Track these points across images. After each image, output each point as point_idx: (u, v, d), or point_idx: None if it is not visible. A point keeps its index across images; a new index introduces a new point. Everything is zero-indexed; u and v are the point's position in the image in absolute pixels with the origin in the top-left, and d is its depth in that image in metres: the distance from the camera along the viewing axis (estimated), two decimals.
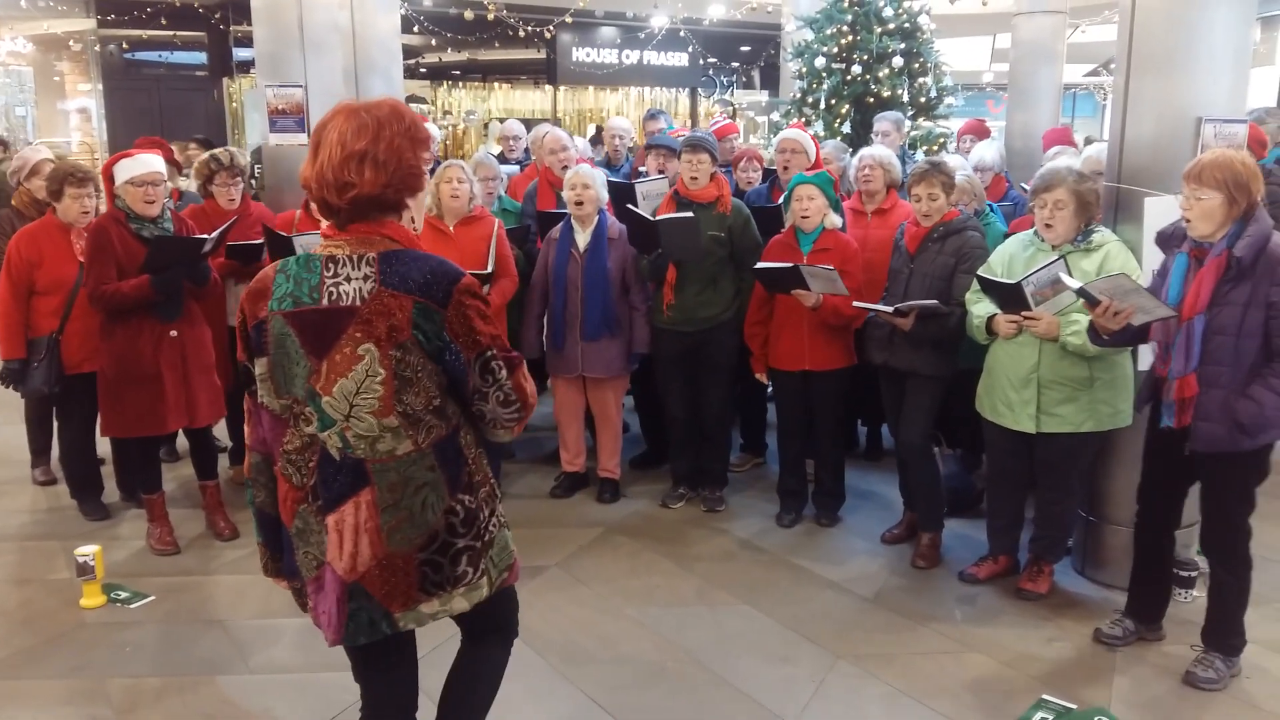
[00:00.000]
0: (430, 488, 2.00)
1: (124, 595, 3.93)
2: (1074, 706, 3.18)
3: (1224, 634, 3.32)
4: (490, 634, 2.35)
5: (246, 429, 2.12)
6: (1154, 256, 3.64)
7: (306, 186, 2.00)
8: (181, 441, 5.31)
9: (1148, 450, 3.43)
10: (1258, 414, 3.01)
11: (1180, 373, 3.11)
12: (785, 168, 5.10)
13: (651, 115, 6.80)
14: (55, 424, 4.98)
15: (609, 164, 6.66)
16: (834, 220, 4.33)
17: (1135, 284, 3.11)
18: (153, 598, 3.93)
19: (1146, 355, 3.48)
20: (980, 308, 3.78)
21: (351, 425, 1.95)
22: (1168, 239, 3.29)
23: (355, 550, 1.98)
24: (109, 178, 4.13)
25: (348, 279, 1.94)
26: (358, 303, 1.92)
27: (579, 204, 4.52)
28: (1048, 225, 3.62)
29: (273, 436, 2.05)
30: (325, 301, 1.94)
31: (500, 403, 2.03)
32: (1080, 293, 3.23)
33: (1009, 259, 3.79)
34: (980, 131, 6.55)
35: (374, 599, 2.00)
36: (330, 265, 1.96)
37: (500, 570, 2.17)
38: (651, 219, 4.36)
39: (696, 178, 4.52)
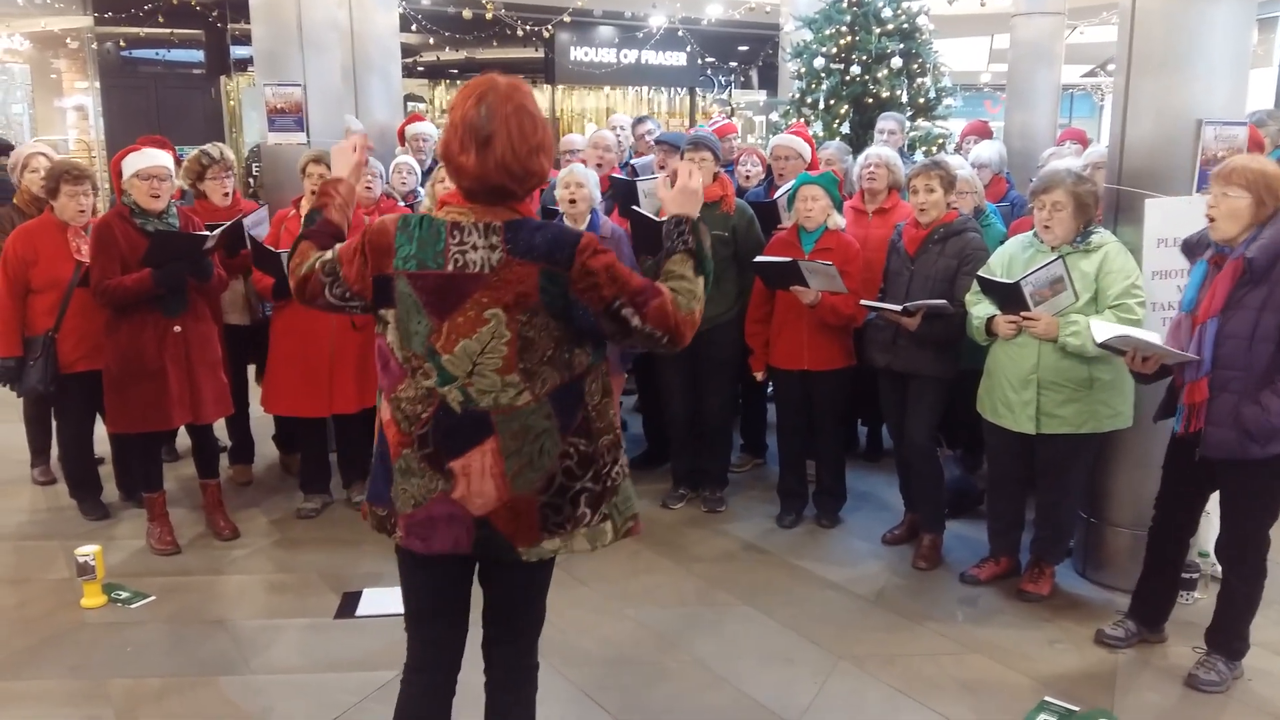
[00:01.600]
0: (547, 434, 2.12)
1: (124, 595, 3.92)
2: (1076, 709, 3.18)
3: (1230, 637, 3.31)
4: (527, 672, 2.41)
5: (385, 376, 2.19)
6: (1154, 258, 3.65)
7: (475, 175, 2.06)
8: (182, 441, 5.30)
9: (1168, 457, 3.39)
10: (1265, 421, 2.99)
11: (1192, 377, 3.09)
12: (781, 174, 5.11)
13: (640, 121, 6.91)
14: (54, 423, 4.97)
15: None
16: (837, 221, 4.33)
17: (1146, 340, 3.12)
18: (153, 598, 3.92)
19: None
20: (980, 309, 3.79)
21: (474, 381, 2.07)
22: (1193, 247, 3.26)
23: (482, 491, 2.11)
24: (117, 172, 4.13)
25: (474, 247, 2.05)
26: (485, 270, 2.04)
27: (572, 203, 4.51)
28: (1046, 226, 3.63)
29: (389, 381, 2.16)
30: (450, 267, 2.05)
31: (647, 338, 2.11)
32: (1104, 347, 3.22)
33: (1009, 260, 3.79)
34: (984, 132, 6.55)
35: (500, 534, 2.13)
36: (456, 232, 2.07)
37: (625, 519, 2.27)
38: (657, 220, 4.36)
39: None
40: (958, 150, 6.56)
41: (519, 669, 2.40)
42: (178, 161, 5.44)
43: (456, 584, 2.30)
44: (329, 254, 2.22)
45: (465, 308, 2.05)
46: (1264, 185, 2.98)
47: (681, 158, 4.65)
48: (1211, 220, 3.07)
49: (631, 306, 2.07)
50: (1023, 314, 3.58)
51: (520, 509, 2.12)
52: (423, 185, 5.71)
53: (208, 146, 4.90)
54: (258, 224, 4.57)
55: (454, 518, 2.14)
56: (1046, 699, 3.23)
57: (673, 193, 2.30)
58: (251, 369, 5.14)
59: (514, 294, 2.04)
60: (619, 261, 2.10)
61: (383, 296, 2.13)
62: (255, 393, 5.14)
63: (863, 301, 4.10)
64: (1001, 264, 3.80)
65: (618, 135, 6.53)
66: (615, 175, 5.13)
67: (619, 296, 2.06)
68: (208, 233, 4.14)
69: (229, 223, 4.30)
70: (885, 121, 6.17)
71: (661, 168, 5.27)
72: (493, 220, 2.07)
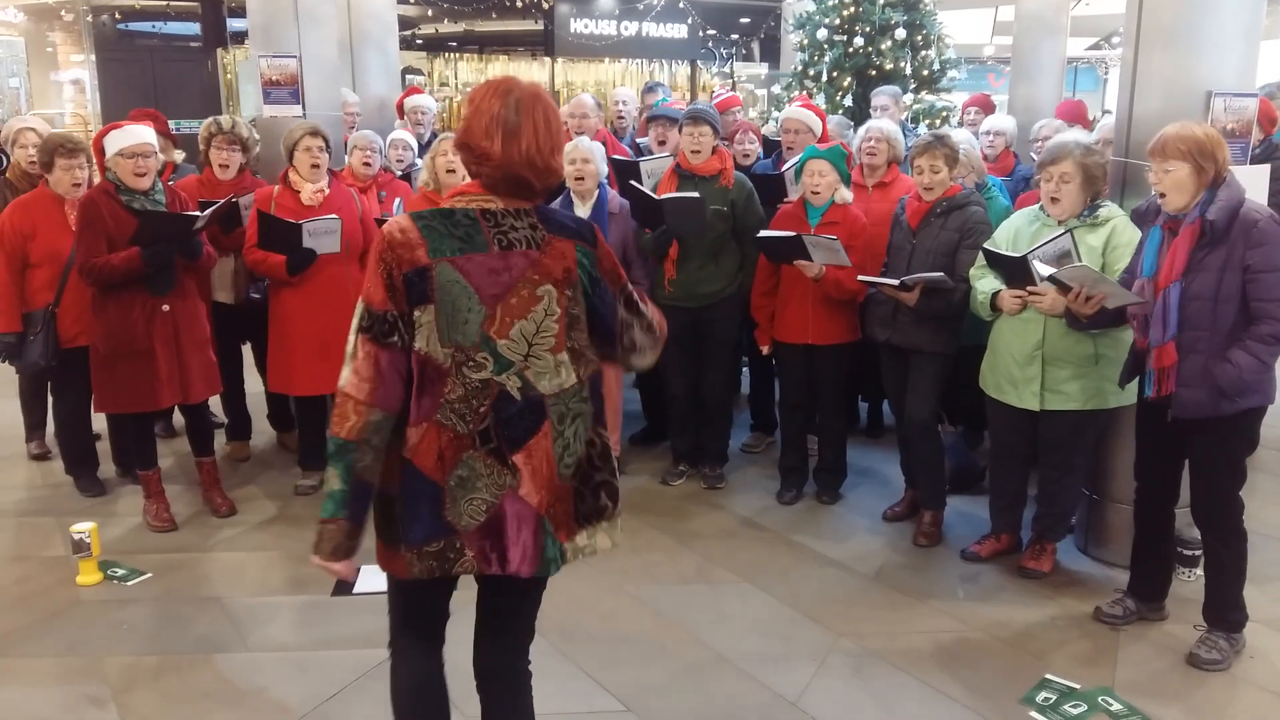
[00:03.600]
0: (581, 419, 2.13)
1: (120, 572, 3.91)
2: (1077, 686, 3.16)
3: (1224, 609, 3.31)
4: (524, 674, 2.36)
5: (361, 386, 1.97)
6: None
7: (500, 165, 2.01)
8: (179, 418, 5.26)
9: (1139, 426, 3.43)
10: (1236, 377, 3.02)
11: (1159, 341, 3.12)
12: (790, 147, 5.04)
13: (650, 88, 6.69)
14: (50, 399, 4.94)
15: (614, 132, 6.59)
16: (844, 195, 4.28)
17: (1100, 274, 3.16)
18: (149, 575, 3.90)
19: None
20: (984, 283, 3.74)
21: (530, 364, 2.04)
22: (1143, 214, 3.29)
23: (544, 482, 2.07)
24: (100, 150, 4.06)
25: (513, 228, 2.05)
26: (533, 248, 2.05)
27: (579, 179, 4.46)
28: (1054, 199, 3.58)
29: (430, 390, 2.00)
30: (497, 248, 2.02)
31: (644, 329, 2.21)
32: (1051, 279, 3.25)
33: (1014, 233, 3.74)
34: (986, 105, 6.48)
35: (554, 532, 2.10)
36: (489, 217, 2.04)
37: (620, 518, 2.26)
38: (656, 197, 4.31)
39: (698, 150, 4.46)
40: (960, 123, 6.50)
41: (516, 675, 2.35)
42: (171, 136, 5.41)
43: (447, 593, 2.25)
44: (362, 323, 1.99)
45: (518, 287, 2.03)
46: (1199, 152, 3.00)
47: (680, 130, 4.60)
48: (1162, 196, 3.09)
49: (637, 294, 2.21)
50: (1028, 289, 3.54)
51: (562, 496, 2.11)
52: (420, 159, 5.66)
53: (221, 116, 4.84)
54: (252, 204, 4.50)
55: (523, 517, 2.06)
56: (1047, 676, 3.22)
57: None
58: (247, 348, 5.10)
59: (561, 269, 2.07)
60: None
61: (417, 293, 1.97)
62: (250, 370, 5.12)
63: (860, 277, 4.06)
64: (1007, 237, 3.76)
65: (621, 109, 6.44)
66: (616, 156, 5.05)
67: (627, 281, 2.20)
68: (198, 213, 4.08)
69: (220, 202, 4.24)
70: (880, 97, 6.10)
71: (661, 143, 5.19)
72: (520, 206, 2.08)
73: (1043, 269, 3.30)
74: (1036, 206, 3.73)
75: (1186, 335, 3.08)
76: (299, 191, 4.41)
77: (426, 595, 2.20)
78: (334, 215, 4.32)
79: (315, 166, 4.43)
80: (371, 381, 1.97)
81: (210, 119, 4.80)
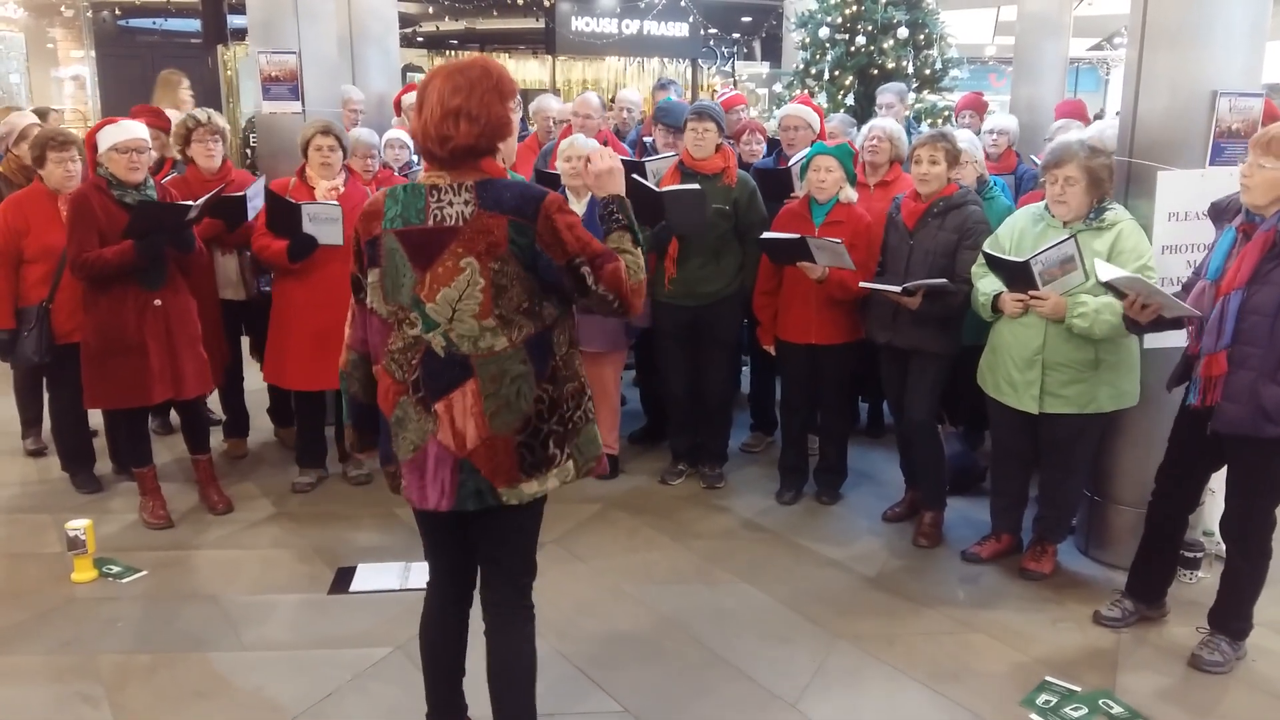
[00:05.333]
0: (523, 379, 2.30)
1: (116, 569, 3.88)
2: (1078, 689, 3.14)
3: (1232, 618, 3.28)
4: (517, 610, 2.53)
5: (348, 330, 2.50)
6: (1166, 232, 3.58)
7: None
8: (175, 415, 5.25)
9: (1175, 429, 3.34)
10: None
11: (1211, 349, 3.03)
12: (790, 144, 5.02)
13: (662, 85, 6.62)
14: (45, 395, 4.91)
15: (617, 134, 6.55)
16: (849, 194, 4.25)
17: (1153, 286, 3.06)
18: (145, 572, 3.88)
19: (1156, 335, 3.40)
20: (986, 284, 3.72)
21: (454, 327, 2.27)
22: (1221, 211, 3.19)
23: (464, 431, 2.29)
24: (92, 145, 4.03)
25: (450, 204, 2.26)
26: (460, 223, 2.25)
27: (575, 175, 4.43)
28: (1059, 201, 3.54)
29: (378, 339, 2.39)
30: (430, 222, 2.27)
31: (600, 300, 2.29)
32: (1107, 286, 3.16)
33: (1019, 234, 3.71)
34: (978, 106, 6.45)
35: (480, 474, 2.31)
36: (434, 192, 2.28)
37: (587, 460, 2.45)
38: (656, 190, 4.27)
39: (702, 145, 4.44)
40: (955, 125, 6.47)
41: (512, 609, 2.52)
42: (170, 132, 5.37)
43: (450, 529, 2.51)
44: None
45: (444, 258, 2.25)
46: None
47: (684, 128, 4.57)
48: (1246, 188, 2.99)
49: (590, 266, 2.26)
50: (1030, 293, 3.51)
51: (498, 448, 2.30)
52: (416, 156, 5.63)
53: (195, 110, 4.81)
54: (256, 195, 4.48)
55: (441, 459, 2.32)
56: (1048, 679, 3.20)
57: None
58: (245, 344, 5.08)
59: (485, 243, 2.22)
60: (579, 222, 2.29)
61: (369, 258, 2.35)
62: (250, 366, 5.10)
63: (862, 284, 4.02)
64: (1010, 238, 3.72)
65: (626, 114, 6.41)
66: (620, 157, 5.01)
67: (580, 255, 2.25)
68: (191, 203, 4.05)
69: (212, 192, 4.21)
70: (885, 95, 6.08)
71: (671, 148, 5.13)
72: (465, 180, 2.27)
73: (1105, 271, 3.18)
74: (1041, 205, 3.70)
75: (1239, 348, 2.97)
76: (314, 188, 4.42)
77: (424, 522, 2.53)
78: (335, 203, 4.30)
79: (326, 165, 4.42)
80: (352, 327, 2.49)
81: (184, 116, 4.77)
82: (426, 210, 2.27)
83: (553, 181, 4.61)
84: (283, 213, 4.26)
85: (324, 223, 4.27)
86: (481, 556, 2.53)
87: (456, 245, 2.24)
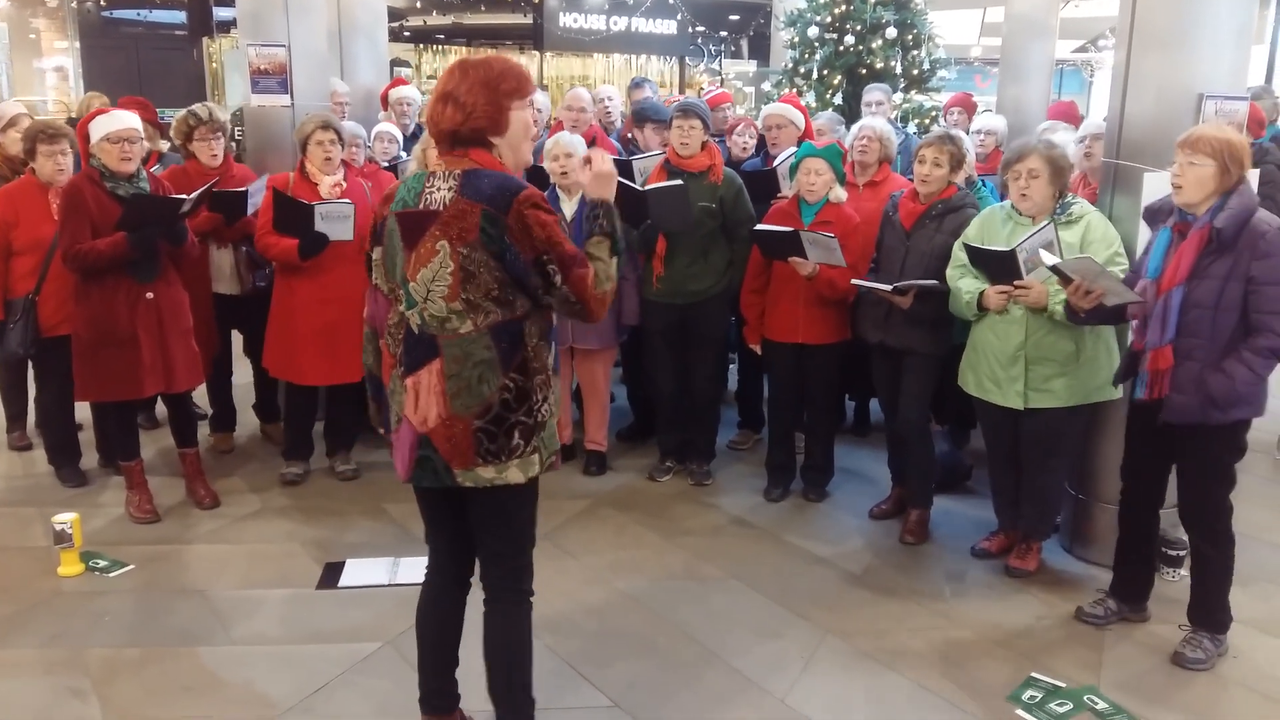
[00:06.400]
0: (486, 365, 2.36)
1: (103, 564, 3.87)
2: (1063, 684, 3.17)
3: (1210, 610, 3.32)
4: (508, 592, 2.57)
5: (365, 308, 2.64)
6: (1149, 232, 3.61)
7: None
8: (161, 409, 5.22)
9: (1129, 426, 3.44)
10: (1230, 388, 3.03)
11: (1156, 344, 3.12)
12: (774, 143, 5.04)
13: (637, 84, 6.55)
14: (30, 389, 4.88)
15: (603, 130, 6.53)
16: (839, 194, 4.27)
17: (1101, 267, 3.14)
18: (132, 566, 3.87)
19: None
20: (966, 283, 3.74)
21: (427, 306, 2.37)
22: (1155, 213, 3.29)
23: (427, 408, 2.39)
24: (84, 136, 4.01)
25: (438, 189, 2.37)
26: (440, 208, 2.34)
27: (563, 173, 4.43)
28: (1023, 195, 3.60)
29: (381, 314, 2.53)
30: (421, 205, 2.38)
31: (563, 300, 2.37)
32: (1054, 269, 3.23)
33: (990, 233, 3.74)
34: (968, 105, 6.49)
35: (438, 452, 2.40)
36: (431, 179, 2.40)
37: (549, 453, 2.50)
38: (639, 189, 4.27)
39: (687, 143, 4.45)
40: (943, 123, 6.50)
41: (505, 590, 2.57)
42: (158, 125, 5.35)
43: (439, 506, 2.59)
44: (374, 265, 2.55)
45: (424, 240, 2.35)
46: (1228, 153, 3.00)
47: (670, 126, 4.57)
48: (1178, 187, 3.08)
49: (557, 265, 2.32)
50: (1015, 283, 3.54)
51: (456, 430, 2.37)
52: (406, 151, 5.62)
53: (196, 106, 4.77)
54: (258, 192, 4.46)
55: (407, 431, 2.44)
56: (1033, 675, 3.23)
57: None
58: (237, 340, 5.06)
59: (458, 229, 2.31)
60: (555, 221, 2.34)
61: (376, 238, 2.50)
62: (239, 362, 5.08)
63: (854, 281, 4.04)
64: (980, 239, 3.75)
65: (608, 105, 6.40)
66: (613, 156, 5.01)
67: (548, 253, 2.31)
68: (184, 196, 4.04)
69: (205, 186, 4.20)
70: (872, 93, 6.09)
71: (664, 146, 5.14)
72: (454, 169, 2.38)
73: (1048, 257, 3.27)
74: (1008, 204, 3.74)
75: (1184, 341, 3.08)
76: (317, 184, 4.38)
77: (422, 499, 2.61)
78: (347, 200, 4.30)
79: (328, 159, 4.39)
80: (368, 304, 2.61)
81: (185, 112, 4.74)
82: (422, 194, 2.38)
83: (543, 177, 4.60)
84: (294, 213, 4.22)
85: (336, 220, 4.26)
86: (475, 540, 2.59)
87: (435, 228, 2.34)
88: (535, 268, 2.32)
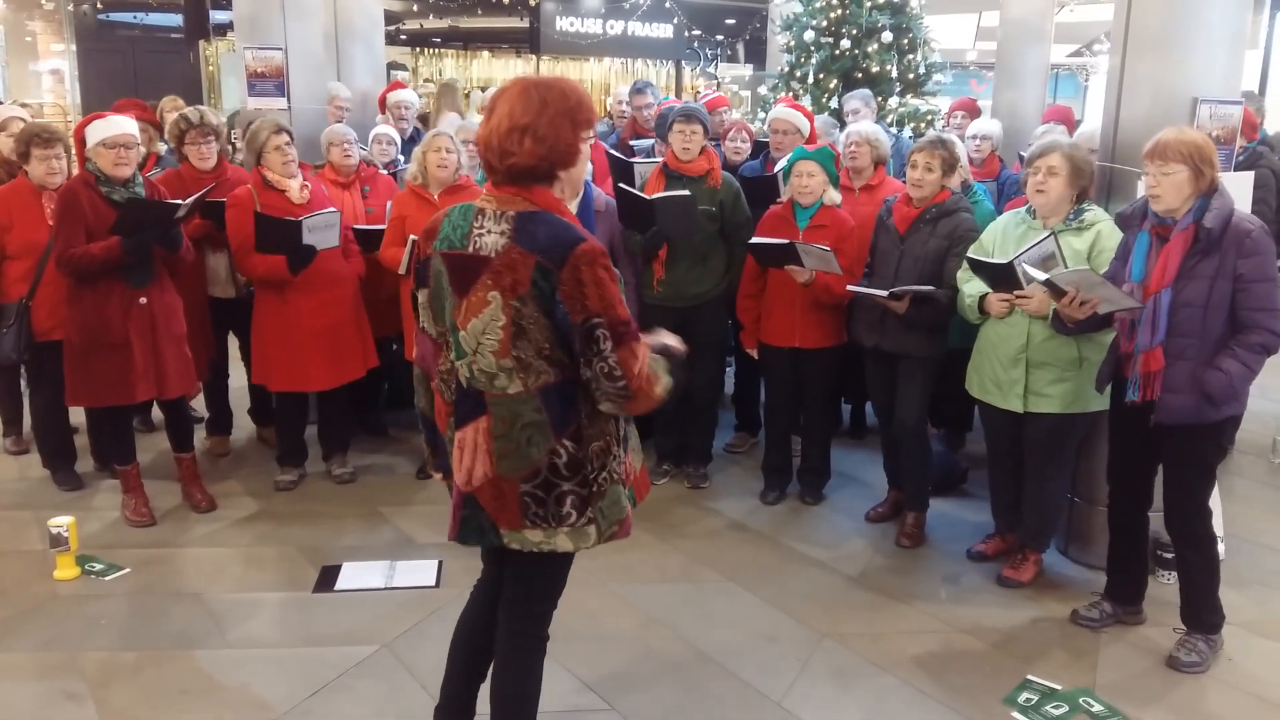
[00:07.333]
0: (535, 428, 2.19)
1: (98, 567, 3.86)
2: (1058, 687, 3.18)
3: (1201, 611, 3.34)
4: (524, 637, 2.46)
5: (415, 349, 2.45)
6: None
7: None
8: (158, 412, 5.21)
9: (1113, 429, 3.45)
10: (1226, 385, 3.06)
11: (1146, 346, 3.14)
12: (779, 148, 5.03)
13: (639, 89, 6.49)
14: (25, 394, 4.87)
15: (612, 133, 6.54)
16: (833, 197, 4.27)
17: (1100, 277, 3.16)
18: (128, 570, 3.86)
19: None
20: (971, 287, 3.75)
21: (477, 360, 2.20)
22: (1128, 218, 3.30)
23: (472, 466, 2.25)
24: (81, 140, 4.01)
25: (489, 231, 2.17)
26: (491, 255, 2.15)
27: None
28: (1040, 191, 3.59)
29: (431, 358, 2.35)
30: (470, 248, 2.18)
31: (604, 374, 2.12)
32: (1046, 284, 3.25)
33: (1001, 237, 3.75)
34: (971, 109, 6.50)
35: (484, 512, 2.27)
36: (479, 217, 2.20)
37: (610, 523, 2.31)
38: (647, 197, 4.28)
39: (689, 148, 4.45)
40: (945, 127, 6.52)
41: (521, 635, 2.46)
42: (157, 126, 5.35)
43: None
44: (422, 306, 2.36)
45: (476, 288, 2.16)
46: (1198, 156, 3.03)
47: (671, 128, 4.57)
48: (1155, 197, 3.10)
49: (609, 332, 2.10)
50: (1015, 292, 3.55)
51: (504, 491, 2.23)
52: (403, 154, 5.62)
53: (188, 110, 4.77)
54: (330, 227, 4.41)
55: (456, 488, 2.32)
56: (1029, 678, 3.23)
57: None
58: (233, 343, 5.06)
59: (510, 280, 2.11)
60: (614, 282, 2.12)
61: (420, 279, 2.31)
62: (235, 365, 5.08)
63: (849, 287, 4.05)
64: (993, 240, 3.77)
65: (624, 109, 6.39)
66: (612, 153, 5.02)
67: (600, 316, 2.09)
68: (179, 202, 4.03)
69: (201, 191, 4.19)
70: (851, 101, 6.09)
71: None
72: (508, 209, 2.17)
73: (1037, 274, 3.30)
74: (1023, 209, 3.75)
75: (1175, 341, 3.10)
76: (284, 191, 4.34)
77: None
78: (333, 209, 4.29)
79: (288, 163, 4.34)
80: (417, 344, 2.41)
81: (178, 115, 4.73)
82: (470, 235, 2.18)
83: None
84: (281, 231, 4.16)
85: (322, 230, 4.24)
86: (507, 583, 2.46)
87: (486, 277, 2.14)
88: (582, 331, 2.10)
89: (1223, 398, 3.08)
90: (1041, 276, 3.26)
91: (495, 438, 2.21)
